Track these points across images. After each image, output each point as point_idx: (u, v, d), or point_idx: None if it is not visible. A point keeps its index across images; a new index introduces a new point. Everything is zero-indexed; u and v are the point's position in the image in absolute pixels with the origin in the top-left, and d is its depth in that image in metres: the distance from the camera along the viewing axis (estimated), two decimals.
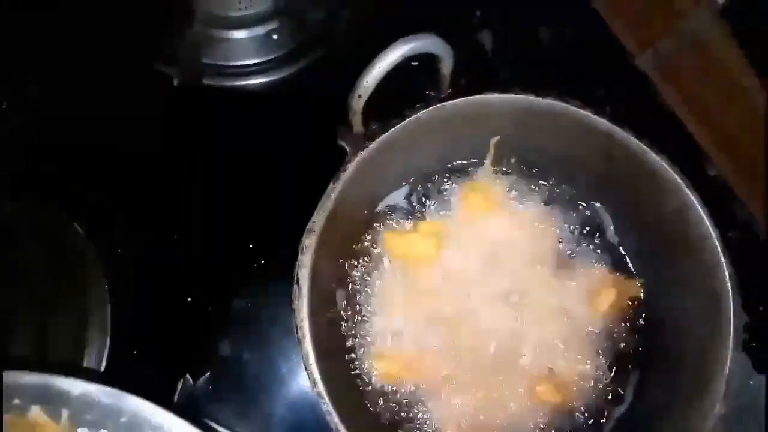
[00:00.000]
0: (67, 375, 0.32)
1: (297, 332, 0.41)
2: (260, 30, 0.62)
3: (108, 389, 0.33)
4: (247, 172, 0.57)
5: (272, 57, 0.62)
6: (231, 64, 0.62)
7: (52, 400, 0.32)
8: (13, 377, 0.33)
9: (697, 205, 0.44)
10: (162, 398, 0.47)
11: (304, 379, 0.40)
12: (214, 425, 0.47)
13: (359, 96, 0.42)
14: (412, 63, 0.46)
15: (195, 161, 0.57)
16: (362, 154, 0.44)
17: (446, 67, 0.45)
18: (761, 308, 0.53)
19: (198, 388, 0.50)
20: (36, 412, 0.32)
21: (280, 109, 0.60)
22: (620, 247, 0.51)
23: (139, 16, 0.61)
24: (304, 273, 0.42)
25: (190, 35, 0.60)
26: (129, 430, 0.33)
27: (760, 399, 0.51)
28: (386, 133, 0.45)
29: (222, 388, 0.51)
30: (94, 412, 0.32)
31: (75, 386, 0.32)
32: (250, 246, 0.55)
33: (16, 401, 0.33)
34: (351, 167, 0.44)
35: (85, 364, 0.47)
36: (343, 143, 0.45)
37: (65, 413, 0.32)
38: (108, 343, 0.48)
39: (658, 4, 0.65)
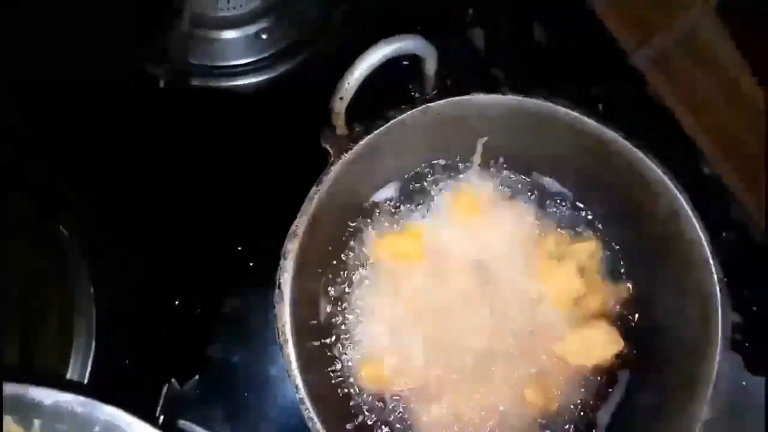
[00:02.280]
0: (39, 385, 0.32)
1: (279, 337, 0.41)
2: (249, 30, 0.62)
3: (81, 399, 0.32)
4: (235, 173, 0.57)
5: (261, 57, 0.62)
6: (220, 64, 0.61)
7: (24, 410, 0.32)
8: None
9: (687, 208, 0.44)
10: (147, 403, 0.48)
11: None
12: (201, 430, 0.47)
13: (341, 98, 0.41)
14: (404, 62, 0.45)
15: (183, 162, 0.57)
16: (345, 157, 0.44)
17: (430, 67, 0.44)
18: (755, 308, 0.52)
19: (185, 392, 0.50)
20: (8, 422, 0.32)
21: (268, 110, 0.59)
22: (611, 250, 0.50)
23: (127, 16, 0.61)
24: (286, 278, 0.41)
25: (178, 36, 0.59)
26: None
27: (755, 400, 0.51)
28: (370, 135, 0.44)
29: (210, 392, 0.50)
30: (66, 422, 0.32)
31: (47, 396, 0.32)
32: (239, 248, 0.55)
33: None
34: (334, 170, 0.44)
35: (70, 368, 0.46)
36: (326, 145, 0.44)
37: (36, 423, 0.32)
38: (93, 347, 0.48)
39: (653, 2, 0.64)
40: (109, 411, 0.33)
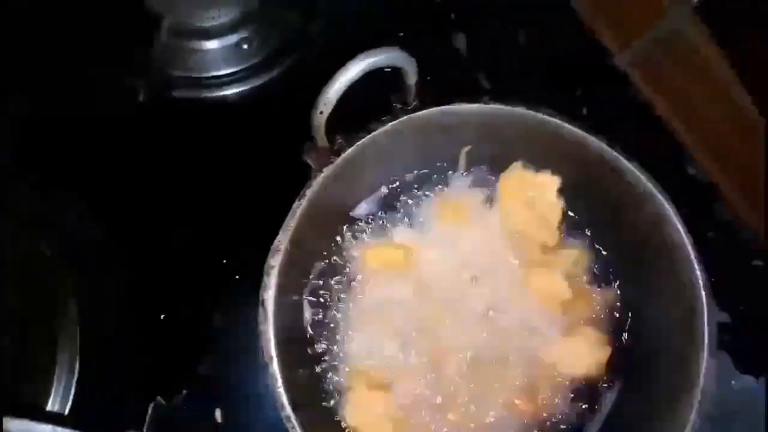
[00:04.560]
0: (18, 416, 0.31)
1: (263, 355, 0.40)
2: (229, 40, 0.61)
3: (60, 430, 0.32)
4: (218, 185, 0.56)
5: (243, 67, 0.61)
6: (201, 75, 0.61)
7: None
8: None
9: (672, 214, 0.44)
10: (135, 420, 0.48)
11: None
12: None
13: (320, 112, 0.41)
14: (386, 69, 0.45)
15: (165, 176, 0.56)
16: (328, 170, 0.44)
17: (410, 78, 0.44)
18: (742, 307, 0.52)
19: (174, 407, 0.50)
20: None
21: (251, 121, 0.59)
22: (597, 256, 0.50)
23: (106, 28, 0.60)
24: (269, 294, 0.41)
25: (158, 46, 0.59)
26: None
27: (744, 399, 0.51)
28: (351, 148, 0.44)
29: (198, 407, 0.50)
30: None
31: (27, 428, 0.31)
32: (224, 261, 0.54)
33: None
34: (315, 184, 0.43)
35: (53, 387, 0.46)
36: (307, 159, 0.44)
37: None
38: (77, 366, 0.47)
39: (637, 3, 0.64)
40: None
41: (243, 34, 0.62)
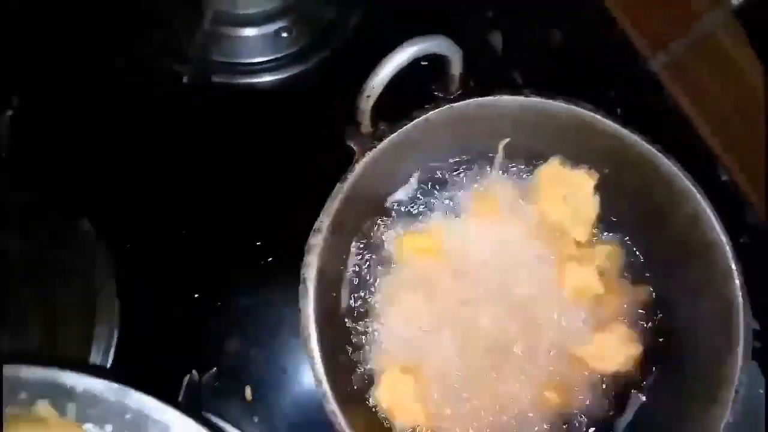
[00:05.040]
0: (72, 370, 0.32)
1: (302, 332, 0.41)
2: (270, 28, 0.62)
3: (113, 385, 0.33)
4: (255, 170, 0.57)
5: (282, 55, 0.62)
6: (241, 61, 0.62)
7: (58, 395, 0.33)
8: (19, 371, 0.33)
9: (709, 212, 0.44)
10: (168, 394, 0.48)
11: (310, 377, 0.40)
12: (219, 421, 0.47)
13: (368, 96, 0.42)
14: (422, 63, 0.46)
15: (205, 157, 0.57)
16: (370, 155, 0.44)
17: (455, 68, 0.44)
18: None
19: (204, 384, 0.50)
20: (43, 405, 0.32)
21: (289, 107, 0.60)
22: (631, 253, 0.50)
23: (151, 14, 0.61)
24: (310, 273, 0.42)
25: (200, 33, 0.60)
26: (133, 426, 0.34)
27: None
28: (394, 134, 0.45)
29: (228, 384, 0.51)
30: (99, 408, 0.33)
31: (80, 382, 0.32)
32: (258, 243, 0.55)
33: (23, 395, 0.33)
34: (358, 167, 0.44)
35: (92, 359, 0.47)
36: (351, 143, 0.45)
37: (71, 408, 0.32)
38: (115, 338, 0.48)
39: (672, 5, 0.64)
40: (139, 398, 0.33)
41: (282, 23, 0.63)
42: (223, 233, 0.55)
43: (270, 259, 0.54)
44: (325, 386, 0.39)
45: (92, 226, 0.52)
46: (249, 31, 0.62)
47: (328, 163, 0.46)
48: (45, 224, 0.51)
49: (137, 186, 0.56)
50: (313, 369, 0.40)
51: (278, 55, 0.62)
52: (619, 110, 0.59)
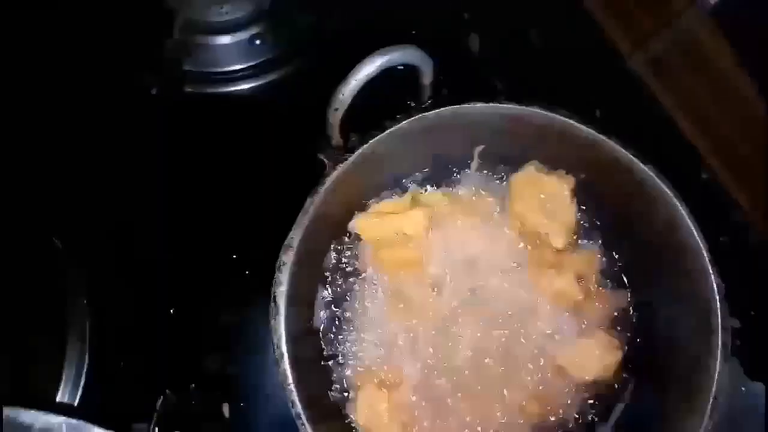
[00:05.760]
0: (29, 407, 0.32)
1: (274, 352, 0.40)
2: (243, 35, 0.61)
3: (72, 421, 0.32)
4: (230, 180, 0.57)
5: (256, 63, 0.61)
6: (214, 70, 0.61)
7: None
8: None
9: (686, 217, 0.43)
10: (143, 414, 0.48)
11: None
12: None
13: (336, 109, 0.41)
14: (398, 67, 0.45)
15: (176, 170, 0.56)
16: (341, 167, 0.44)
17: (426, 77, 0.44)
18: (752, 312, 0.52)
19: (180, 402, 0.50)
20: None
21: (263, 116, 0.59)
22: (609, 258, 0.50)
23: (118, 25, 0.60)
24: (281, 291, 0.41)
25: (171, 42, 0.59)
26: None
27: (755, 405, 0.51)
28: (365, 145, 0.44)
29: (205, 403, 0.50)
30: None
31: (37, 419, 0.32)
32: (234, 257, 0.54)
33: None
34: (329, 180, 0.43)
35: (63, 379, 0.46)
36: (321, 156, 0.44)
37: None
38: (87, 359, 0.47)
39: (651, 4, 0.63)
40: None
41: (256, 30, 0.62)
42: (198, 246, 0.54)
43: (246, 272, 0.54)
44: (299, 407, 0.39)
45: (62, 244, 0.51)
46: (222, 39, 0.61)
47: (305, 173, 0.45)
48: (15, 243, 0.50)
49: (107, 201, 0.55)
50: (286, 390, 0.39)
51: (252, 63, 0.61)
52: (598, 112, 0.59)
